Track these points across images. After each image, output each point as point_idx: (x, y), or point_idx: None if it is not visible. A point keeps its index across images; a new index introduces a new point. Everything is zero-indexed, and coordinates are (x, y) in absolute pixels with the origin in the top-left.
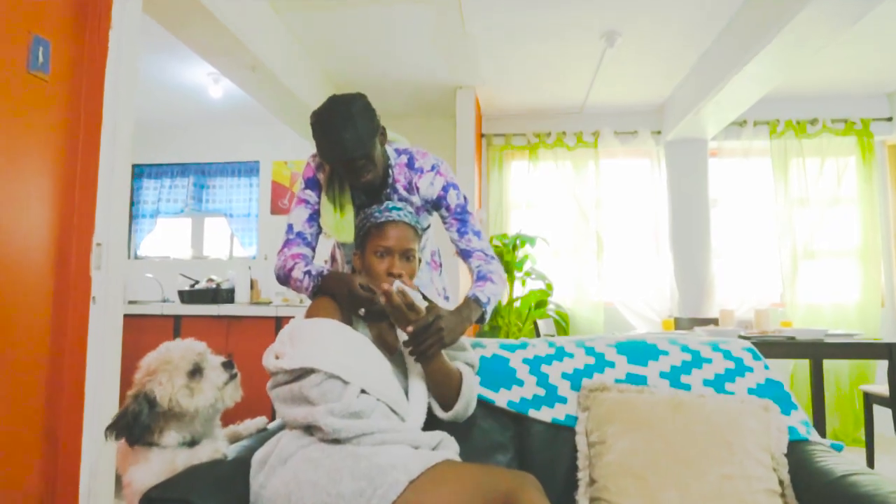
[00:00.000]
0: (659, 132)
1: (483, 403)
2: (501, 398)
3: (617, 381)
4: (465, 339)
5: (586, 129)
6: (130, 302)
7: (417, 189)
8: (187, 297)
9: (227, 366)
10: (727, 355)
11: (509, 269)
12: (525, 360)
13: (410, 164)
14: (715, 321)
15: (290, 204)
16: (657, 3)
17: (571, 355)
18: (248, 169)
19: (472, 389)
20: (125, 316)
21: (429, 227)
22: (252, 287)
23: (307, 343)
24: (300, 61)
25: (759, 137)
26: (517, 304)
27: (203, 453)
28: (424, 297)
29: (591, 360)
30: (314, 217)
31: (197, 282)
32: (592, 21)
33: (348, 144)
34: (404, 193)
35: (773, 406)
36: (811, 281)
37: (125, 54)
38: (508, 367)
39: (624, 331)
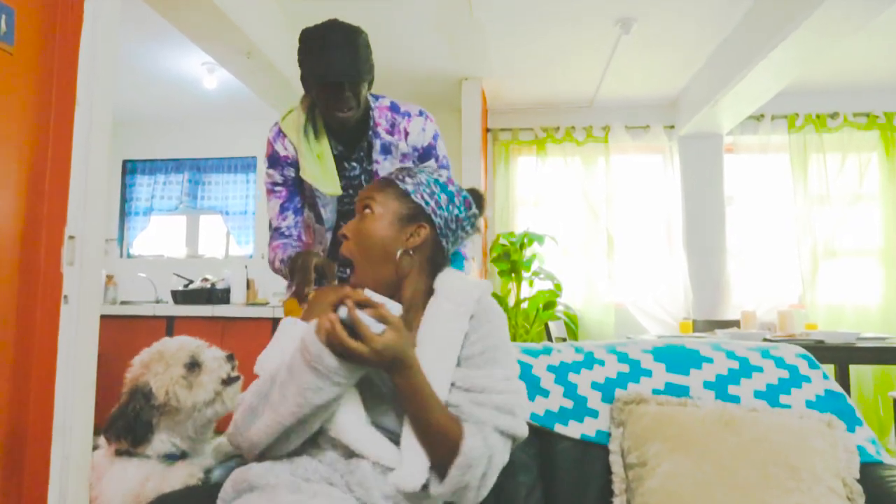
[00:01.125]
0: (672, 127)
1: None
2: None
3: (655, 391)
4: (504, 368)
5: (596, 123)
6: (122, 302)
7: (406, 134)
8: (181, 297)
9: (230, 359)
10: (780, 363)
11: (516, 268)
12: (550, 368)
13: (395, 108)
14: (735, 323)
15: None
16: None
17: (602, 362)
18: (245, 165)
19: (477, 461)
20: (115, 317)
21: None
22: (248, 287)
23: (268, 347)
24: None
25: (777, 132)
26: (524, 305)
27: (177, 477)
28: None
29: (625, 368)
30: (287, 206)
31: (191, 281)
32: (607, 6)
33: (343, 65)
34: (388, 138)
35: (838, 422)
36: (832, 281)
37: (102, 26)
38: (532, 376)
39: (636, 333)
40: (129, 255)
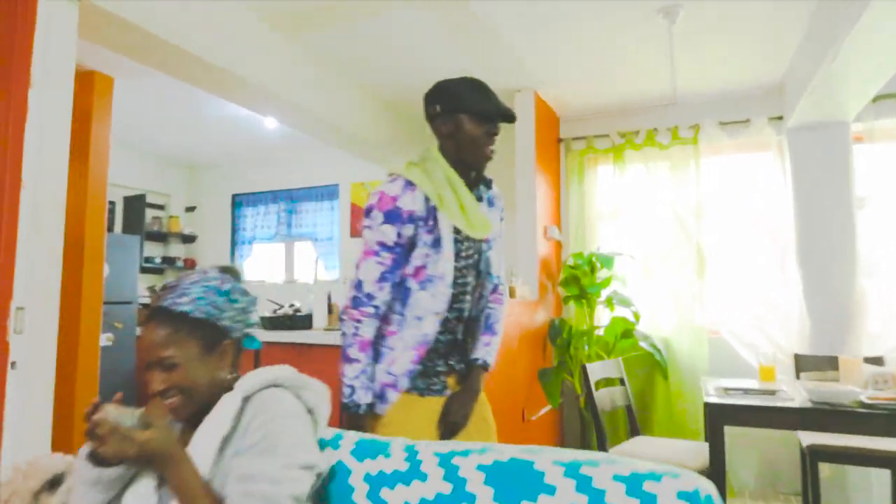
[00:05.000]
0: (780, 118)
1: None
2: None
3: None
4: (286, 441)
5: (682, 122)
6: None
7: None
8: (268, 323)
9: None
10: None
11: (586, 293)
12: (367, 478)
13: None
14: (874, 361)
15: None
16: None
17: (424, 477)
18: (329, 192)
19: None
20: None
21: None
22: (331, 311)
23: None
24: (333, 87)
25: None
26: (600, 332)
27: None
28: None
29: (447, 489)
30: (387, 277)
31: (281, 306)
32: None
33: (506, 106)
34: (488, 192)
35: None
36: None
37: (48, 113)
38: (347, 485)
39: (734, 368)
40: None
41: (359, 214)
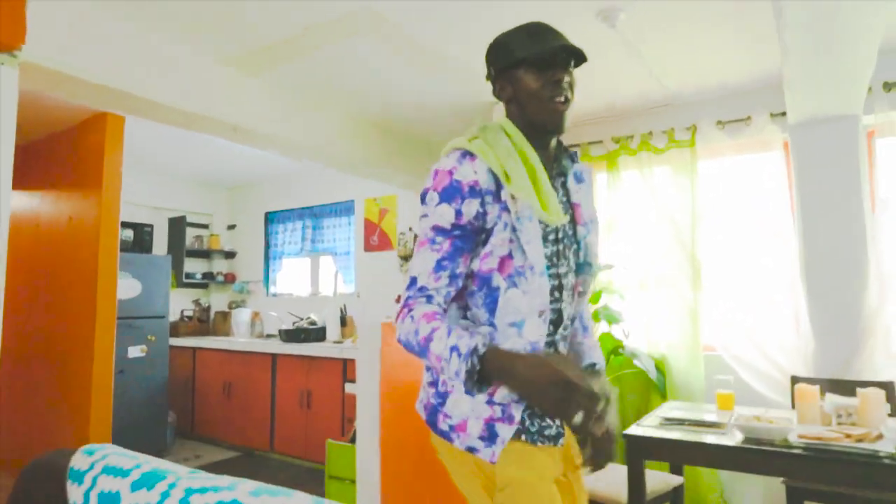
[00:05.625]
0: (783, 114)
1: None
2: None
3: None
4: None
5: (679, 123)
6: (265, 335)
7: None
8: (284, 335)
9: None
10: None
11: None
12: None
13: None
14: (887, 385)
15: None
16: None
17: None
18: (346, 208)
19: None
20: (235, 352)
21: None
22: (345, 324)
23: None
24: (310, 114)
25: None
26: None
27: None
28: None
29: None
30: (444, 264)
31: (301, 319)
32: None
33: (566, 41)
34: (577, 166)
35: None
36: None
37: None
38: None
39: (730, 387)
40: (273, 295)
41: (372, 230)
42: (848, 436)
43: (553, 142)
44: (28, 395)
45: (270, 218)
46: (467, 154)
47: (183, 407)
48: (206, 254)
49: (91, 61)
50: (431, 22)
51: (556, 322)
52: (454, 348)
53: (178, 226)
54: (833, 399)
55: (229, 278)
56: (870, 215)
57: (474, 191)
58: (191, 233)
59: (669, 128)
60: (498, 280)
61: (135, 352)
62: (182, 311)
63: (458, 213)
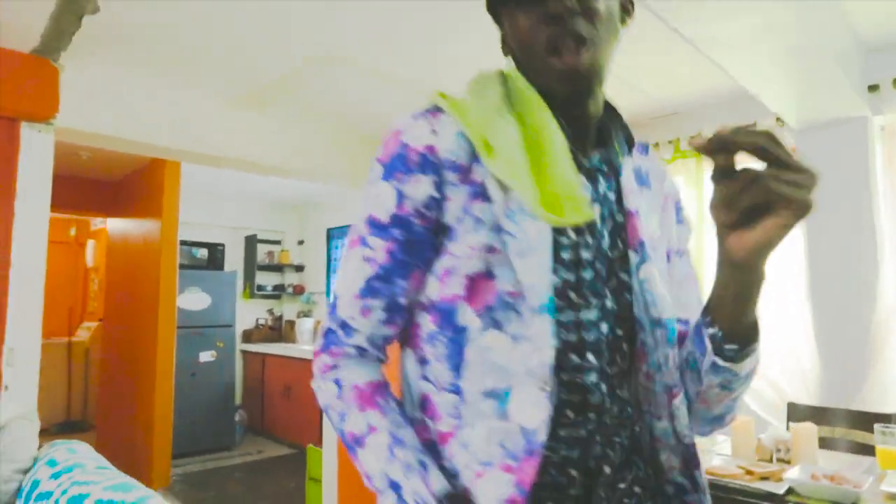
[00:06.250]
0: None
1: None
2: None
3: None
4: None
5: (684, 132)
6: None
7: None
8: None
9: None
10: None
11: None
12: None
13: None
14: (886, 419)
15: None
16: None
17: (48, 496)
18: None
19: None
20: (292, 358)
21: None
22: None
23: None
24: (323, 139)
25: None
26: None
27: None
28: None
29: None
30: (375, 285)
31: None
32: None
33: None
34: (634, 158)
35: None
36: None
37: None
38: None
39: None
40: None
41: None
42: (749, 472)
43: (592, 109)
44: (114, 386)
45: (331, 234)
46: (434, 110)
47: (253, 407)
48: (278, 268)
49: (120, 122)
50: None
51: (581, 408)
52: (394, 485)
53: (250, 243)
54: (773, 432)
55: (298, 290)
56: (880, 226)
57: (427, 162)
58: (264, 249)
59: (675, 138)
60: (466, 316)
61: (206, 357)
62: (257, 320)
63: (401, 198)
